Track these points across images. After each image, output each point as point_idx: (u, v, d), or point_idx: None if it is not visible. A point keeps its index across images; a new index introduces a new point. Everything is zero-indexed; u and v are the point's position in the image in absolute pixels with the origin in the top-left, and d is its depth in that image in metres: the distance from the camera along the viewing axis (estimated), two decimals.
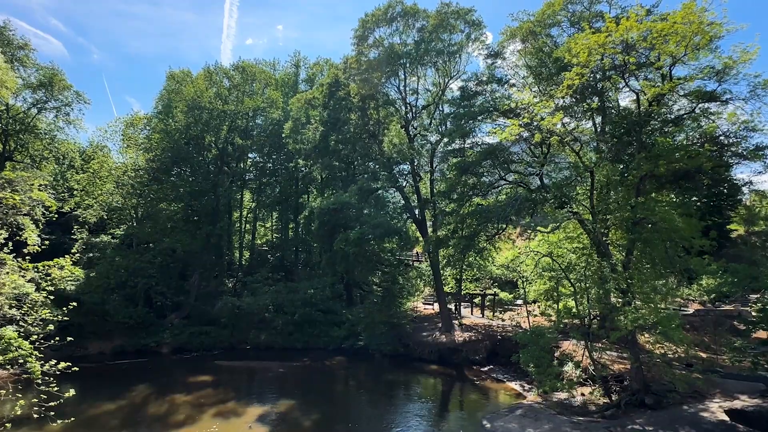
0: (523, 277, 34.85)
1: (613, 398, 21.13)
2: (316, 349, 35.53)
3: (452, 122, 35.52)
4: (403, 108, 38.32)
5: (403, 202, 39.55)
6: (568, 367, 24.03)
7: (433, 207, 37.39)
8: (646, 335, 25.19)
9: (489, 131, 31.45)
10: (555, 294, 28.05)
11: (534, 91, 29.60)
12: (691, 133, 23.51)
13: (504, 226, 31.13)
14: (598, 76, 23.50)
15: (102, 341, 33.74)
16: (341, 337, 36.06)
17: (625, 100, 27.23)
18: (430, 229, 38.91)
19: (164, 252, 38.33)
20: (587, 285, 21.83)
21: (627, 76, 22.64)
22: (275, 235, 55.63)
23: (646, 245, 22.20)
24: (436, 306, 42.54)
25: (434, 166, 39.05)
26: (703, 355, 24.36)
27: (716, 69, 20.84)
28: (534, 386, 25.04)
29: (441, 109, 38.79)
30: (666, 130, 23.12)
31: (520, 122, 24.81)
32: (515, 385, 26.54)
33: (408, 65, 36.48)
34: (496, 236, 33.34)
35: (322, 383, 28.42)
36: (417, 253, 56.70)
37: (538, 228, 31.36)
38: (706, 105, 22.11)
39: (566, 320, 24.92)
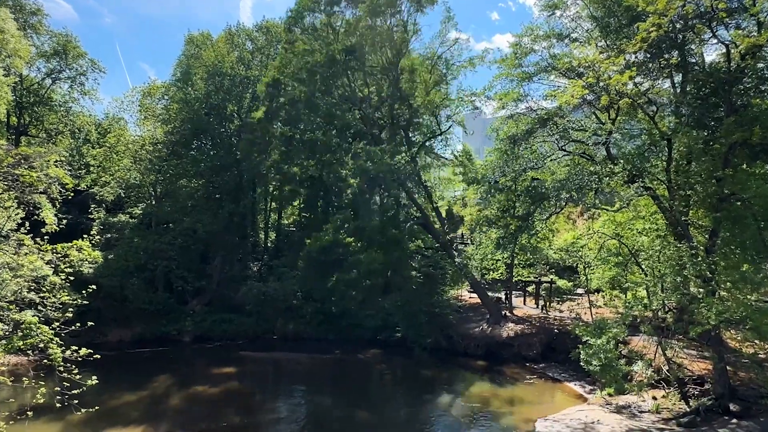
0: (584, 262, 34.13)
1: (690, 404, 20.58)
2: (349, 340, 36.10)
3: (502, 85, 34.67)
4: (358, 111, 37.40)
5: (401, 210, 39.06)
6: (638, 367, 23.54)
7: (429, 199, 36.56)
8: (733, 331, 24.33)
9: (546, 94, 30.57)
10: (623, 282, 27.37)
11: (600, 47, 28.46)
12: None
13: (563, 204, 30.78)
14: (678, 26, 22.30)
15: (121, 328, 35.41)
16: (376, 328, 36.46)
17: (712, 54, 25.92)
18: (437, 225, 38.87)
19: (184, 232, 39.54)
20: (662, 272, 21.14)
21: (715, 25, 21.36)
22: (303, 214, 56.36)
23: (735, 226, 21.27)
24: None
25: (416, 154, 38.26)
26: None
27: None
28: (597, 388, 24.75)
29: (397, 93, 36.89)
30: (762, 89, 21.82)
31: (584, 83, 24.04)
32: (574, 386, 26.34)
33: (351, 59, 35.48)
34: (554, 216, 32.97)
35: (355, 378, 29.02)
36: (462, 234, 56.38)
37: (604, 206, 30.67)
38: None
39: (636, 312, 24.28)
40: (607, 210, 30.33)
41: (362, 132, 38.79)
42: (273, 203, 53.61)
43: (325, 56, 34.84)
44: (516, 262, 38.93)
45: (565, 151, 29.75)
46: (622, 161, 24.01)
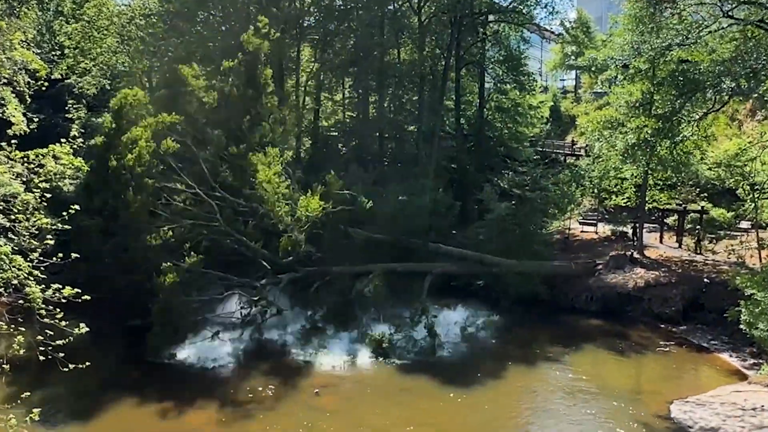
0: (753, 183, 32.74)
1: None
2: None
3: None
4: None
5: None
6: None
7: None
8: None
9: None
10: None
11: None
12: None
13: (725, 97, 29.75)
14: None
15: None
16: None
17: None
18: None
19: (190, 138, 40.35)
20: None
21: None
22: (349, 113, 56.27)
23: None
24: (601, 227, 42.07)
25: None
26: None
27: None
28: (763, 361, 24.36)
29: None
30: None
31: None
32: (729, 358, 26.08)
33: None
34: (711, 115, 31.57)
35: None
36: (572, 141, 55.08)
37: None
38: None
39: None
40: None
41: None
42: (308, 99, 53.71)
43: None
44: (651, 182, 37.86)
45: (731, 17, 28.29)
46: None
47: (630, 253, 35.08)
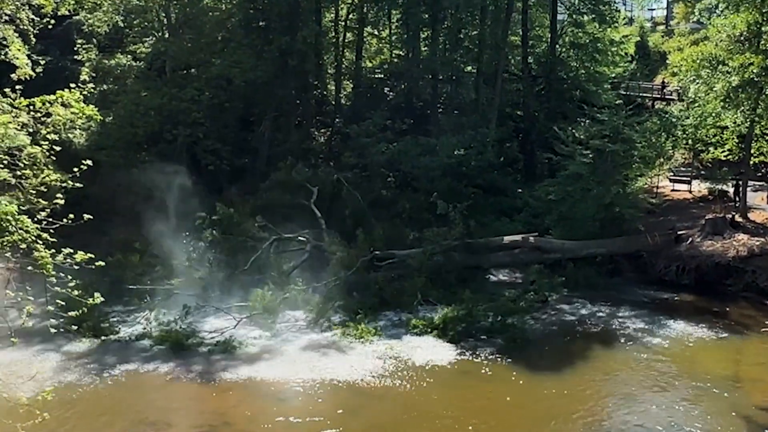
0: None
1: None
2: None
3: None
4: None
5: None
6: None
7: None
8: None
9: None
10: None
11: None
12: None
13: None
14: None
15: (128, 225, 37.68)
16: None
17: None
18: None
19: (214, 83, 40.53)
20: None
21: None
22: (396, 51, 55.75)
23: None
24: (696, 185, 41.49)
25: None
26: None
27: None
28: None
29: None
30: None
31: None
32: None
33: None
34: None
35: None
36: (663, 83, 53.78)
37: None
38: None
39: None
40: None
41: None
42: (349, 35, 53.40)
43: None
44: (758, 131, 36.86)
45: None
46: None
47: (731, 215, 34.37)
